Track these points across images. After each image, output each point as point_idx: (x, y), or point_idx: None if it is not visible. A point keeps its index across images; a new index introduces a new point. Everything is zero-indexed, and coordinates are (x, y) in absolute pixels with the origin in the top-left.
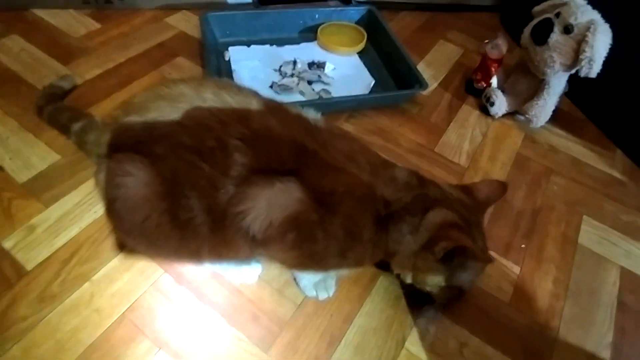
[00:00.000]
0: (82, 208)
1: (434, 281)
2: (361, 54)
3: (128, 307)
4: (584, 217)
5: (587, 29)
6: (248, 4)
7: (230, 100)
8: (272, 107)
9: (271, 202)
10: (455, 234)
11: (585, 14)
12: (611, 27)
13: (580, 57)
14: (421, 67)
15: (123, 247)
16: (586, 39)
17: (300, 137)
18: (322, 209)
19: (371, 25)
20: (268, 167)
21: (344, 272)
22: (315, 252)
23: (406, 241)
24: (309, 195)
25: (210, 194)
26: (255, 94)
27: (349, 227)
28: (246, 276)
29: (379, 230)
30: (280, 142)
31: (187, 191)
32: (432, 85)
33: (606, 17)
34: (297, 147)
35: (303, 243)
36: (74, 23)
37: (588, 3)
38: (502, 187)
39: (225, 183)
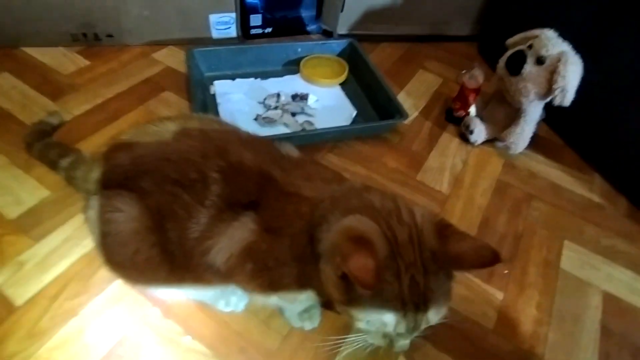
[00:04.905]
0: (72, 243)
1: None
2: (343, 86)
3: (117, 342)
4: (565, 241)
5: (559, 60)
6: (232, 38)
7: (212, 135)
8: (248, 140)
9: (232, 236)
10: (351, 247)
11: (556, 46)
12: (584, 56)
13: (554, 87)
14: (402, 97)
15: (112, 281)
16: (558, 69)
17: (267, 167)
18: (271, 235)
19: (352, 58)
20: (237, 198)
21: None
22: (273, 280)
23: (321, 247)
24: (260, 224)
25: (187, 225)
26: (236, 128)
27: (295, 249)
28: (235, 305)
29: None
30: (249, 174)
31: (171, 223)
32: (413, 114)
33: (577, 48)
34: (262, 177)
35: (261, 272)
36: (64, 60)
37: (559, 35)
38: (491, 256)
39: (200, 213)
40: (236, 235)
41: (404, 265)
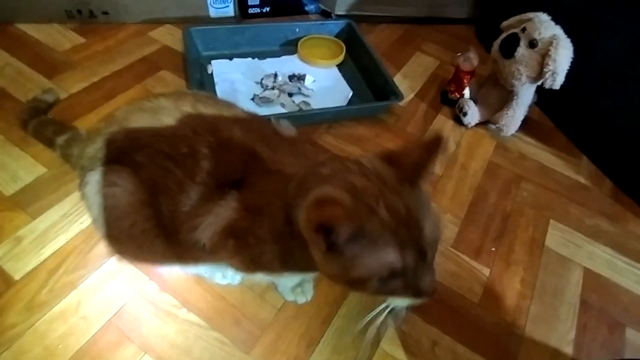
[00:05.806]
0: (69, 219)
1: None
2: (340, 67)
3: (114, 314)
4: (551, 221)
5: (550, 43)
6: (230, 17)
7: (206, 112)
8: (241, 118)
9: (217, 214)
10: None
11: (548, 29)
12: (575, 40)
13: (544, 70)
14: (398, 79)
15: (109, 256)
16: (549, 53)
17: (254, 145)
18: (251, 213)
19: (350, 39)
20: (224, 176)
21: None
22: (254, 257)
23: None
24: (242, 202)
25: (179, 199)
26: (230, 105)
27: (273, 227)
28: (231, 278)
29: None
30: (236, 151)
31: (164, 197)
32: (409, 96)
33: (569, 32)
34: (249, 154)
35: (242, 249)
36: (59, 37)
37: (552, 19)
38: (436, 142)
39: (190, 189)
40: (220, 214)
41: (373, 199)
